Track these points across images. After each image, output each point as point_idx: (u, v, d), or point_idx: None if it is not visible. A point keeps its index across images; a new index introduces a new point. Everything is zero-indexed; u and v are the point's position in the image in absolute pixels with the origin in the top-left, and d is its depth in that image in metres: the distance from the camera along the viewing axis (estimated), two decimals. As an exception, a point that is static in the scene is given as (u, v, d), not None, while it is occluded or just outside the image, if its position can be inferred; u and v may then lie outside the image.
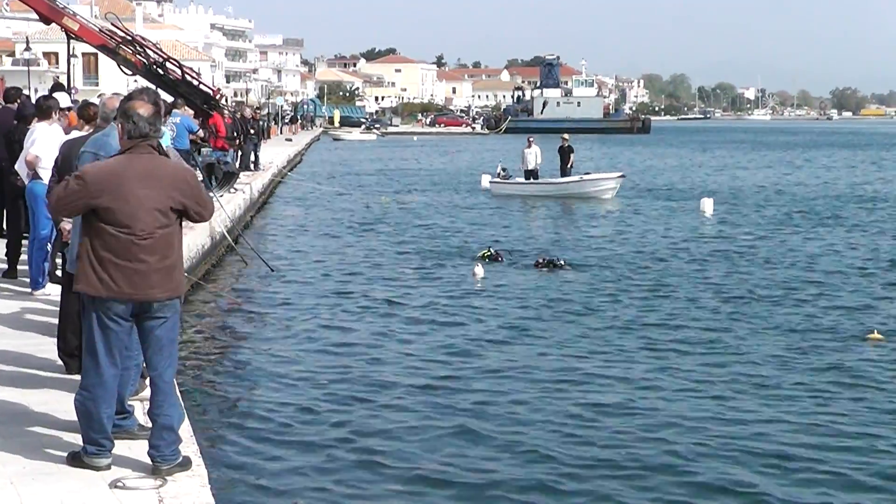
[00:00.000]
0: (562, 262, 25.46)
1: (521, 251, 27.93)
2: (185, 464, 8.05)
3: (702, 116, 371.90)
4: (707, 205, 40.03)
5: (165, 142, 10.87)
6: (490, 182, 47.48)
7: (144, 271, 7.73)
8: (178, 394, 8.13)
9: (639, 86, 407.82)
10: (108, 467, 7.89)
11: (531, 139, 46.51)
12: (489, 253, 26.45)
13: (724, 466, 11.69)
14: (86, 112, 11.94)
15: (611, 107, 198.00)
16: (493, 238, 30.89)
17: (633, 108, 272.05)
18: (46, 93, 20.78)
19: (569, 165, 45.98)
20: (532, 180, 45.36)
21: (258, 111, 63.04)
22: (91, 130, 10.54)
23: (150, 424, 8.17)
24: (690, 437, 12.63)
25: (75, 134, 11.72)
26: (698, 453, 12.08)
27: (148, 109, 7.96)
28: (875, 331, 18.08)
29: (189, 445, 8.60)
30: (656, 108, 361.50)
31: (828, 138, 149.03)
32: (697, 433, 12.80)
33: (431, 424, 13.10)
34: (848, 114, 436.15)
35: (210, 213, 8.23)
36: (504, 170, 46.90)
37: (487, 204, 42.43)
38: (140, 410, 9.16)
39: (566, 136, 47.43)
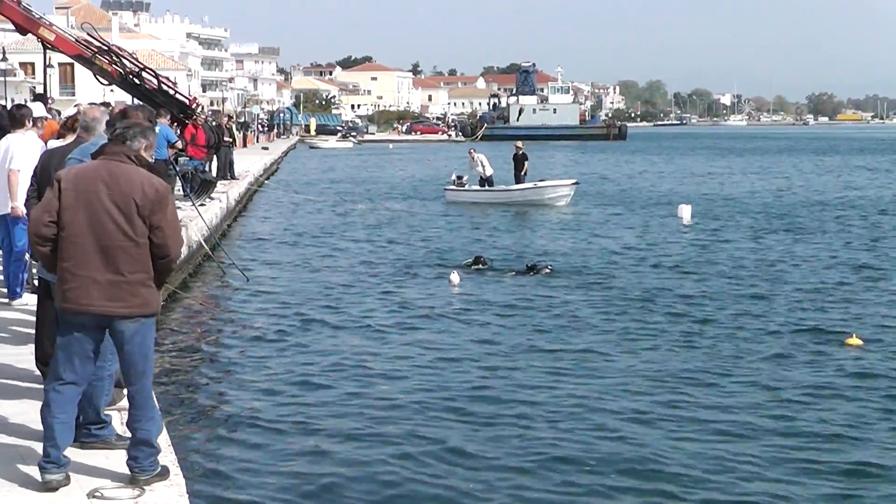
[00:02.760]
0: (545, 264, 25.58)
1: (495, 260, 27.87)
2: (164, 473, 8.02)
3: (678, 122, 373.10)
4: (685, 211, 40.07)
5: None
6: (445, 189, 47.74)
7: (102, 283, 7.63)
8: (156, 406, 8.08)
9: (615, 92, 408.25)
10: (54, 487, 7.68)
11: (472, 150, 48.02)
12: (479, 263, 26.33)
13: (701, 473, 11.72)
14: (68, 122, 11.89)
15: (587, 113, 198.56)
16: (470, 246, 30.91)
17: (610, 115, 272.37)
18: (22, 103, 20.71)
19: (522, 173, 46.21)
20: (487, 187, 45.54)
21: (231, 119, 62.89)
22: (72, 140, 10.51)
23: (128, 434, 8.16)
24: (668, 446, 12.66)
25: (53, 144, 11.68)
26: (675, 461, 12.10)
27: (135, 119, 8.00)
28: (854, 335, 18.15)
29: (167, 454, 8.59)
30: (632, 115, 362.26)
31: (804, 144, 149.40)
32: (675, 441, 12.84)
33: (410, 433, 13.10)
34: (824, 119, 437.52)
35: (174, 242, 7.82)
36: (459, 177, 46.99)
37: (457, 212, 42.30)
38: (118, 420, 9.15)
39: (520, 143, 47.86)
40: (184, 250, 23.32)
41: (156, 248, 7.70)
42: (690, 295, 22.67)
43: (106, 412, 8.77)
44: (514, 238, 33.73)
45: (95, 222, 7.61)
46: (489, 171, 45.36)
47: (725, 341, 18.14)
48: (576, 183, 45.92)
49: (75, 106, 12.57)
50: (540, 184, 45.46)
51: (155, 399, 8.09)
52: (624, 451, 12.37)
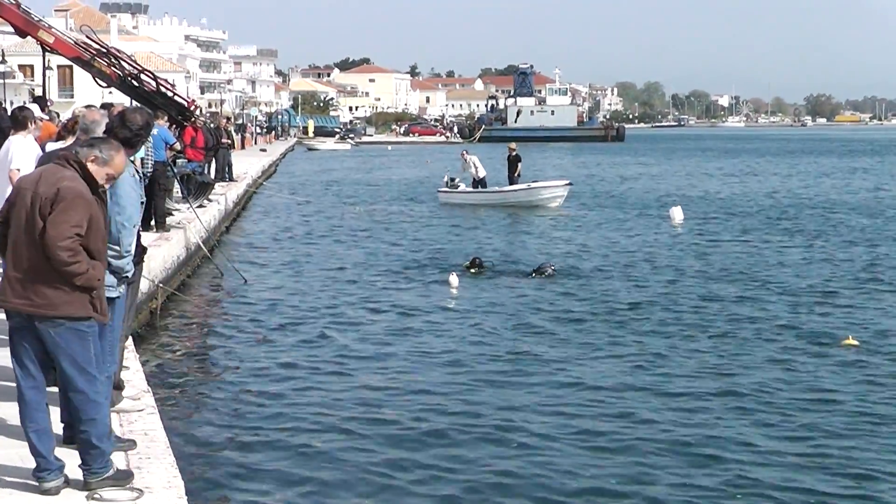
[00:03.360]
0: (549, 264, 25.63)
1: (493, 262, 27.86)
2: (119, 477, 7.95)
3: (676, 124, 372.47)
4: (676, 213, 40.00)
5: (141, 154, 10.87)
6: (438, 191, 47.65)
7: (12, 279, 7.68)
8: (102, 406, 7.90)
9: (612, 94, 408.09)
10: (54, 492, 7.73)
11: (465, 151, 48.33)
12: (475, 265, 26.21)
13: (696, 474, 11.77)
14: (69, 124, 11.92)
15: (585, 115, 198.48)
16: (467, 248, 30.93)
17: (607, 117, 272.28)
18: (24, 105, 20.75)
19: (516, 174, 46.18)
20: (480, 189, 45.52)
21: (229, 121, 62.93)
22: (72, 143, 10.56)
23: (126, 436, 8.20)
24: (667, 448, 12.70)
25: (52, 146, 11.72)
26: (674, 463, 12.16)
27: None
28: (850, 336, 18.17)
29: (165, 457, 8.64)
30: (630, 116, 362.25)
31: (802, 145, 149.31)
32: (670, 441, 12.89)
33: (407, 438, 13.16)
34: (822, 120, 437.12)
35: (53, 243, 7.50)
36: (452, 179, 46.88)
37: (451, 213, 42.21)
38: (116, 422, 9.19)
39: (513, 145, 47.82)
40: (182, 252, 23.50)
41: (41, 242, 7.60)
42: (682, 298, 22.66)
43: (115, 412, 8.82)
44: (509, 240, 33.73)
45: (17, 220, 7.71)
46: (482, 173, 45.35)
47: (721, 343, 18.14)
48: (569, 184, 45.87)
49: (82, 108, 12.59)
50: (533, 185, 45.46)
51: (101, 398, 7.92)
52: (619, 454, 12.42)
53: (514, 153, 46.22)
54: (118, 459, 8.25)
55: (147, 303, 18.81)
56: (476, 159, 45.61)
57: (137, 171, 8.97)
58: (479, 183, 45.50)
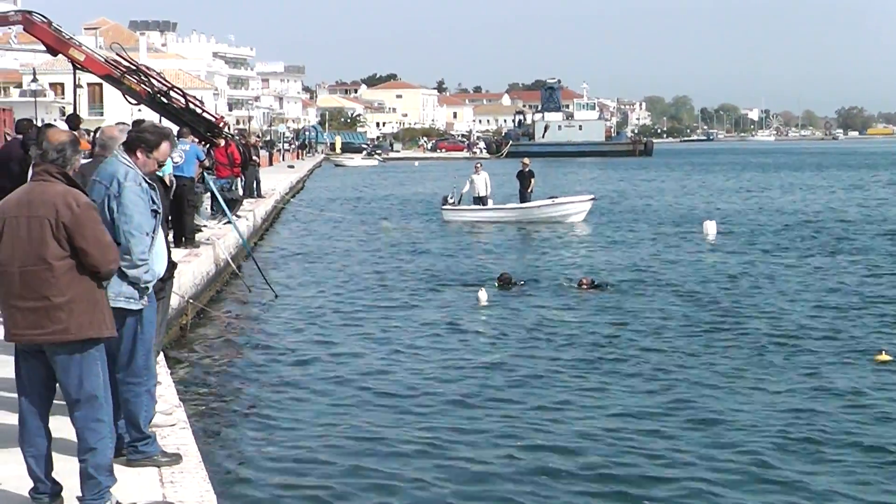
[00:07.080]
0: (607, 284, 25.75)
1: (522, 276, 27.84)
2: None
3: (705, 138, 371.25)
4: (710, 227, 39.75)
5: (167, 169, 10.84)
6: (442, 208, 46.47)
7: (24, 310, 7.43)
8: (105, 435, 7.66)
9: (641, 108, 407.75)
10: None
11: (479, 165, 47.34)
12: (504, 281, 26.14)
13: (733, 491, 11.72)
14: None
15: (613, 130, 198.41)
16: (498, 263, 30.92)
17: (636, 131, 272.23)
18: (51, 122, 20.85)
19: (529, 190, 45.75)
20: (482, 206, 44.87)
21: (258, 139, 63.38)
22: (89, 161, 10.52)
23: (175, 451, 8.23)
24: (701, 462, 12.66)
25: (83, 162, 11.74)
26: (709, 478, 12.10)
27: (58, 137, 7.80)
28: (883, 351, 18.02)
29: (198, 471, 8.65)
30: (658, 131, 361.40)
31: (835, 160, 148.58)
32: (704, 455, 12.84)
33: (433, 452, 13.13)
34: (854, 133, 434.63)
35: (106, 256, 7.54)
36: (458, 200, 45.87)
37: (471, 231, 41.91)
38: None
39: (526, 160, 47.36)
40: (211, 268, 23.56)
41: (89, 266, 7.49)
42: (718, 311, 22.57)
43: (150, 429, 8.81)
44: (540, 255, 33.67)
45: (16, 248, 7.43)
46: (486, 192, 44.93)
47: (755, 357, 18.04)
48: (593, 199, 45.67)
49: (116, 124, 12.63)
50: (556, 200, 45.24)
51: (107, 427, 7.72)
52: (646, 467, 12.39)
53: (527, 168, 45.85)
54: (152, 473, 8.25)
55: (177, 318, 18.87)
56: (487, 176, 45.38)
57: (145, 180, 8.74)
58: (479, 200, 45.02)
